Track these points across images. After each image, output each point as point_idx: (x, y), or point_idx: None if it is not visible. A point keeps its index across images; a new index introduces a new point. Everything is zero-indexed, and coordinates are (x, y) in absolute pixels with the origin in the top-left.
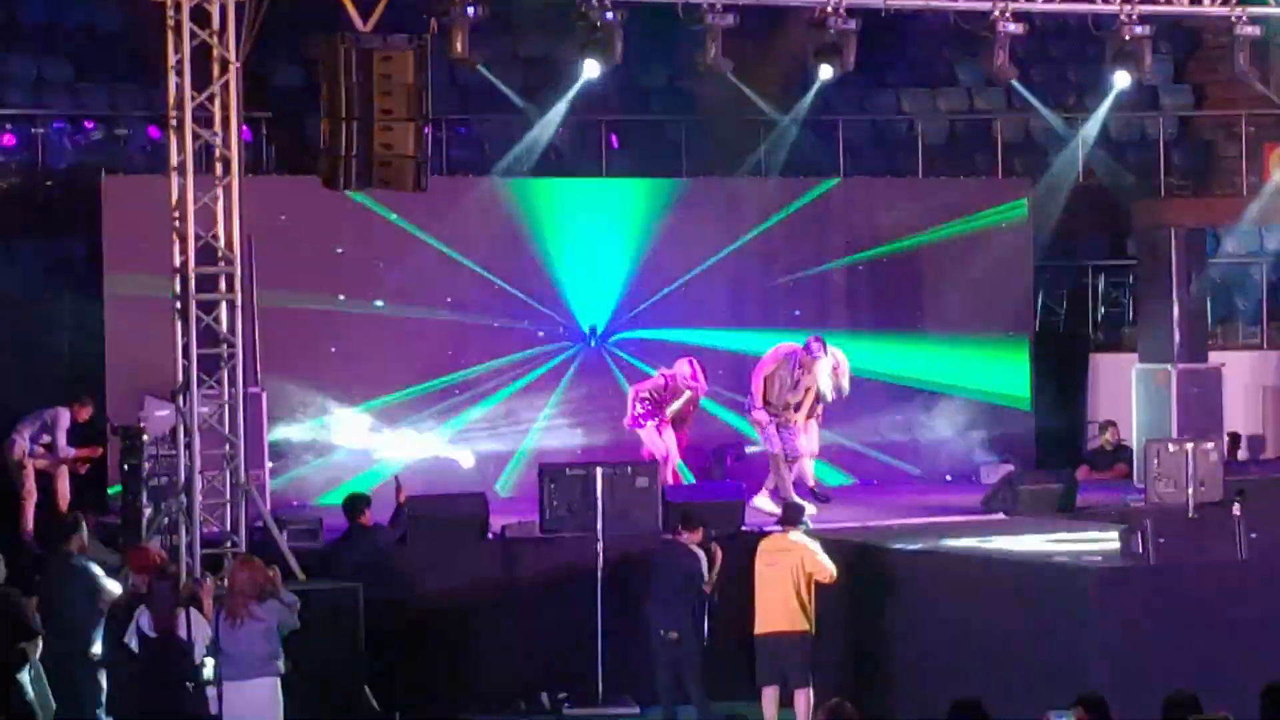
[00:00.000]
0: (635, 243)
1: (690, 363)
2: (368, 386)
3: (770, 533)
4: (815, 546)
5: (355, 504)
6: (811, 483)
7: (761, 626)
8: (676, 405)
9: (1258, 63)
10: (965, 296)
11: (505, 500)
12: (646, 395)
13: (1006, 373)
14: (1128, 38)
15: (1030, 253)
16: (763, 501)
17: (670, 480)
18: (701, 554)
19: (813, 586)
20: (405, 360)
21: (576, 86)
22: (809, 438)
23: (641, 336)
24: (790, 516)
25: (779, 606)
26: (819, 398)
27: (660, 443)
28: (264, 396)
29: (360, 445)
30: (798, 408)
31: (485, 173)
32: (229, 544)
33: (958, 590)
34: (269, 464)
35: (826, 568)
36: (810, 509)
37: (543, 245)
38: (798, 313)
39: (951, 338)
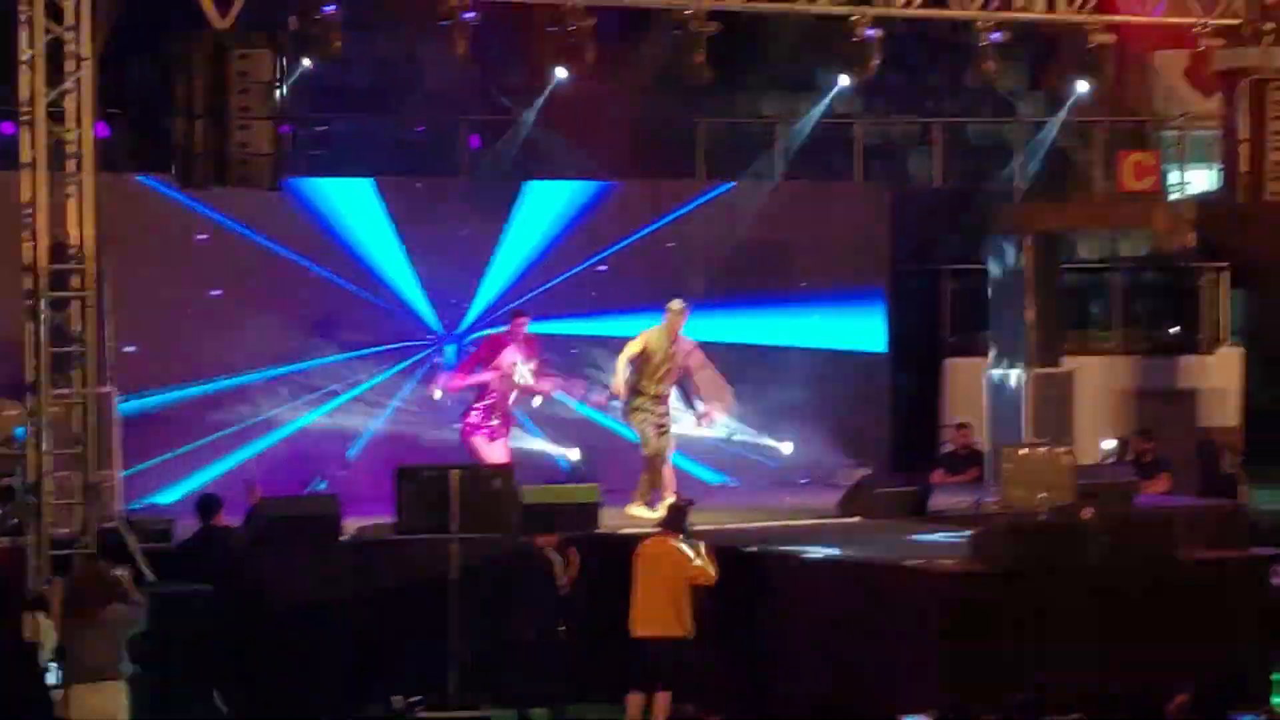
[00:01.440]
0: (495, 242)
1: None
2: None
3: (651, 535)
4: (693, 548)
5: (208, 505)
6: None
7: (639, 629)
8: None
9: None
10: (823, 297)
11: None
12: (476, 403)
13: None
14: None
15: (885, 258)
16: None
17: None
18: (557, 556)
19: (690, 591)
20: (257, 357)
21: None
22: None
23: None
24: (672, 519)
25: (656, 610)
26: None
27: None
28: (114, 395)
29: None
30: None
31: (341, 172)
32: (78, 544)
33: (818, 594)
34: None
35: (707, 571)
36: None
37: (402, 245)
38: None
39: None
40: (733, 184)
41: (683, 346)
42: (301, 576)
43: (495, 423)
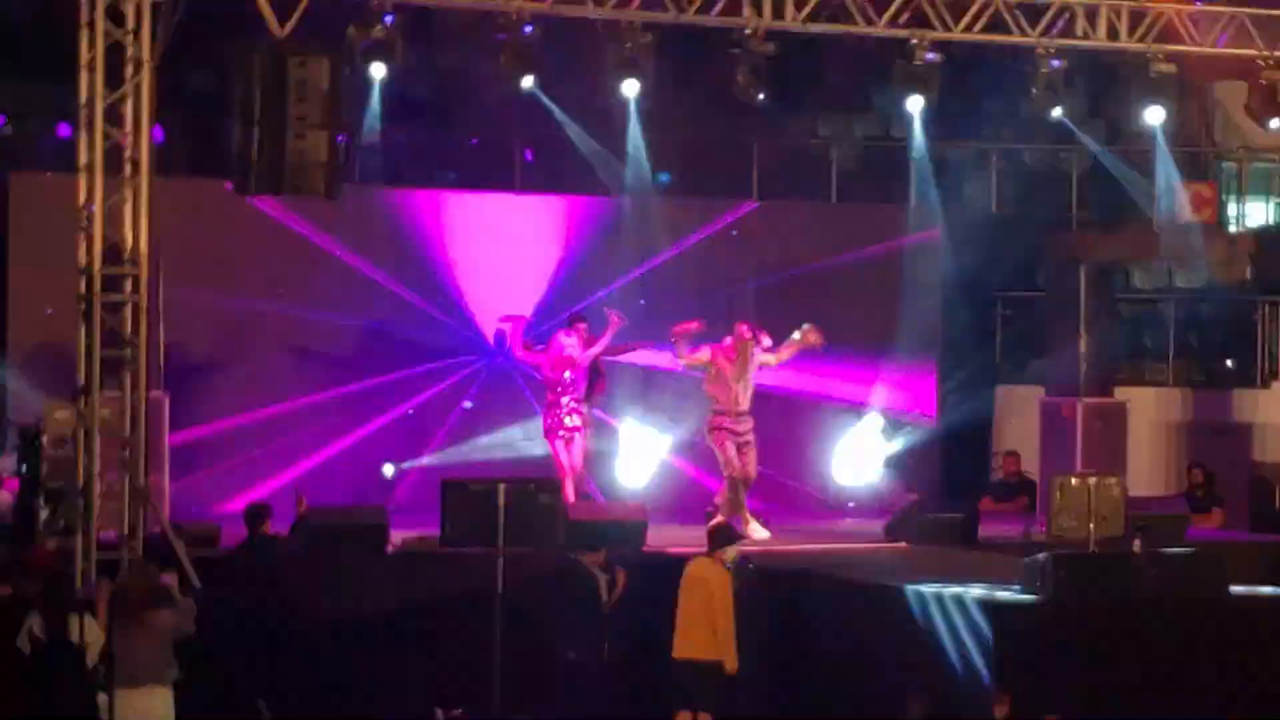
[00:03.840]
0: (547, 259)
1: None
2: (270, 392)
3: (696, 556)
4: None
5: (256, 513)
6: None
7: (677, 651)
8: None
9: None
10: (875, 321)
11: (406, 510)
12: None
13: (915, 401)
14: (1043, 70)
15: (940, 281)
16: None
17: (572, 498)
18: (602, 575)
19: (730, 615)
20: (310, 367)
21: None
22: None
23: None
24: (716, 540)
25: (695, 633)
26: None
27: (564, 458)
28: (166, 401)
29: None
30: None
31: (399, 183)
32: (126, 549)
33: (863, 618)
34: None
35: (721, 615)
36: (762, 533)
37: (453, 258)
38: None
39: (861, 362)
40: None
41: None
42: (347, 586)
43: (572, 423)
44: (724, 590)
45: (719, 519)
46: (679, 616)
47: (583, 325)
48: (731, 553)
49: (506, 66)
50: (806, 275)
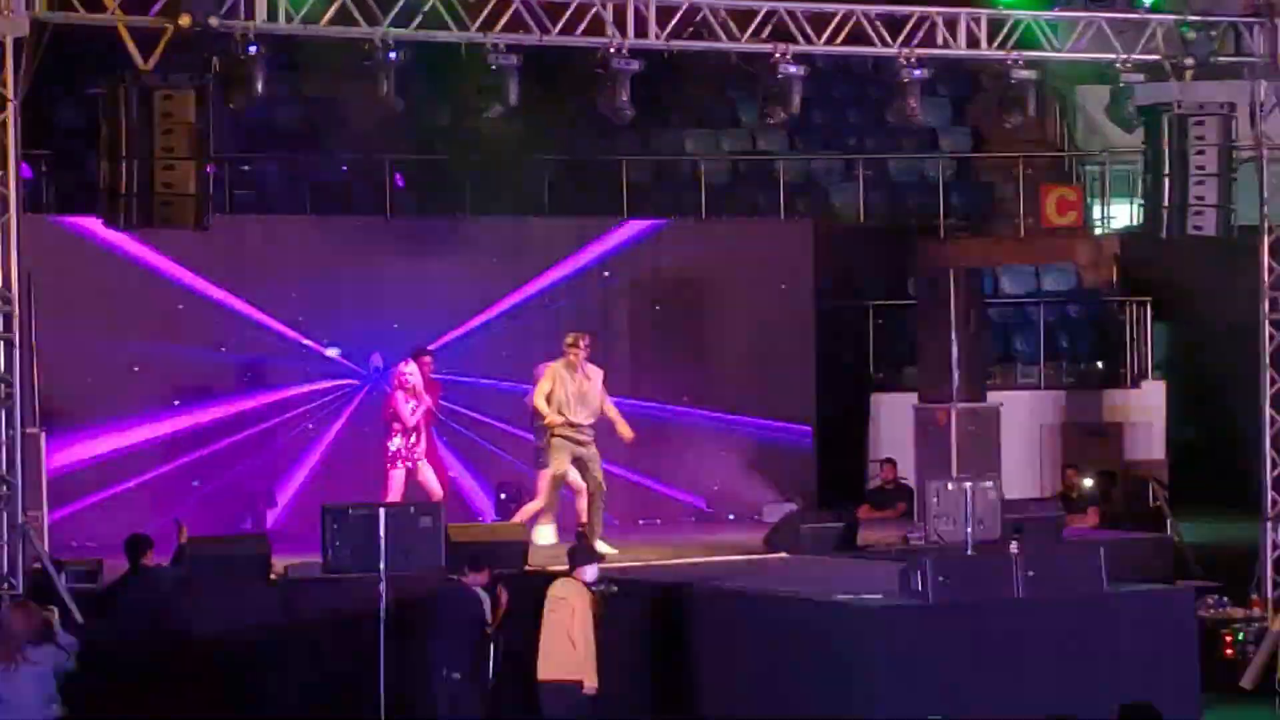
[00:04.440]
0: (419, 281)
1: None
2: (146, 424)
3: (560, 574)
4: (584, 607)
5: (137, 544)
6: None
7: (540, 673)
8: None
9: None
10: (748, 334)
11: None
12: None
13: (789, 410)
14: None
15: (810, 294)
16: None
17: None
18: (486, 595)
19: (590, 635)
20: (184, 398)
21: None
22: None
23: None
24: (575, 559)
25: (556, 653)
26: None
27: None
28: (42, 436)
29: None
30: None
31: (268, 211)
32: (6, 586)
33: (749, 630)
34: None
35: (580, 635)
36: (609, 549)
37: (327, 283)
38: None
39: (734, 374)
40: (658, 221)
41: (595, 378)
42: (230, 615)
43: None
44: (584, 609)
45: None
46: (541, 637)
47: (427, 359)
48: (591, 571)
49: (373, 93)
50: (679, 290)
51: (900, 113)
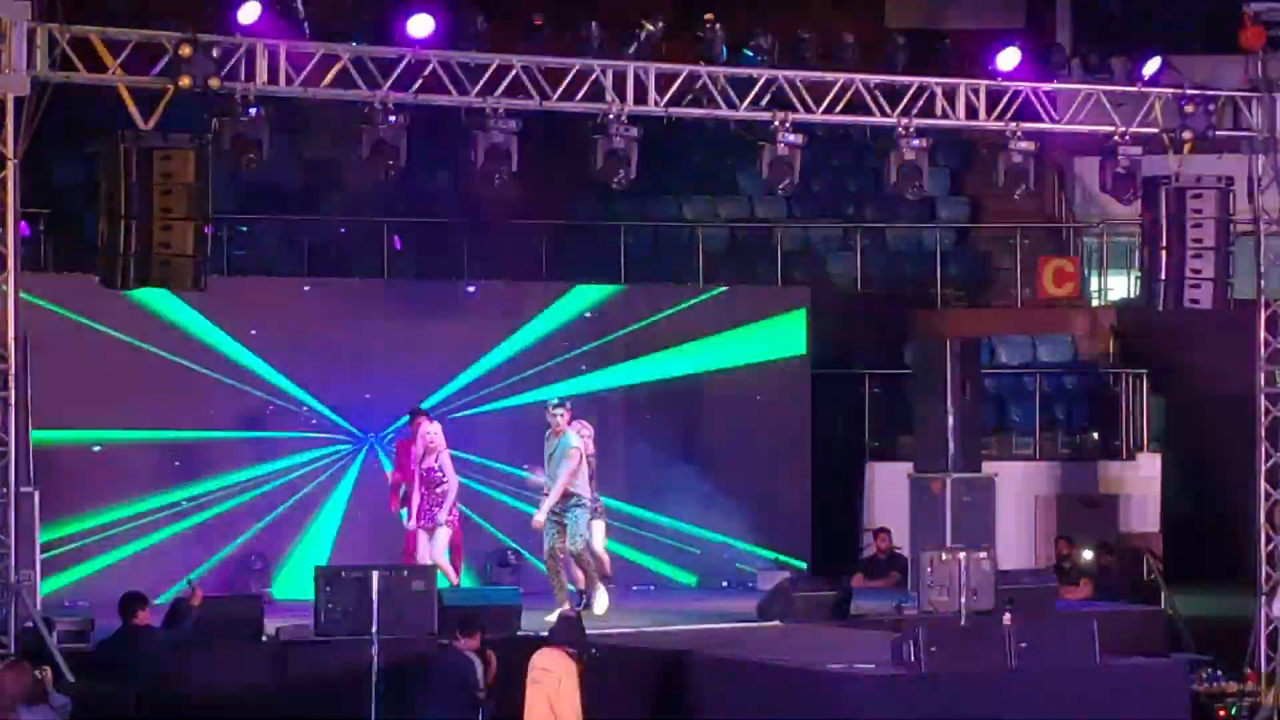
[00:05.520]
0: (417, 345)
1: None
2: (137, 486)
3: (542, 645)
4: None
5: (131, 603)
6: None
7: None
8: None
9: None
10: (744, 401)
11: (281, 603)
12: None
13: (785, 478)
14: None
15: (807, 362)
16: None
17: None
18: (477, 660)
19: (576, 708)
20: (184, 459)
21: None
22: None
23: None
24: (556, 633)
25: None
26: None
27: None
28: (36, 496)
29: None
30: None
31: (267, 272)
32: None
33: (740, 698)
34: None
35: (567, 708)
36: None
37: (324, 346)
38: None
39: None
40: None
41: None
42: (222, 676)
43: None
44: (570, 681)
45: (567, 609)
46: (524, 710)
47: (418, 420)
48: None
49: (371, 156)
50: (674, 357)
51: (900, 183)
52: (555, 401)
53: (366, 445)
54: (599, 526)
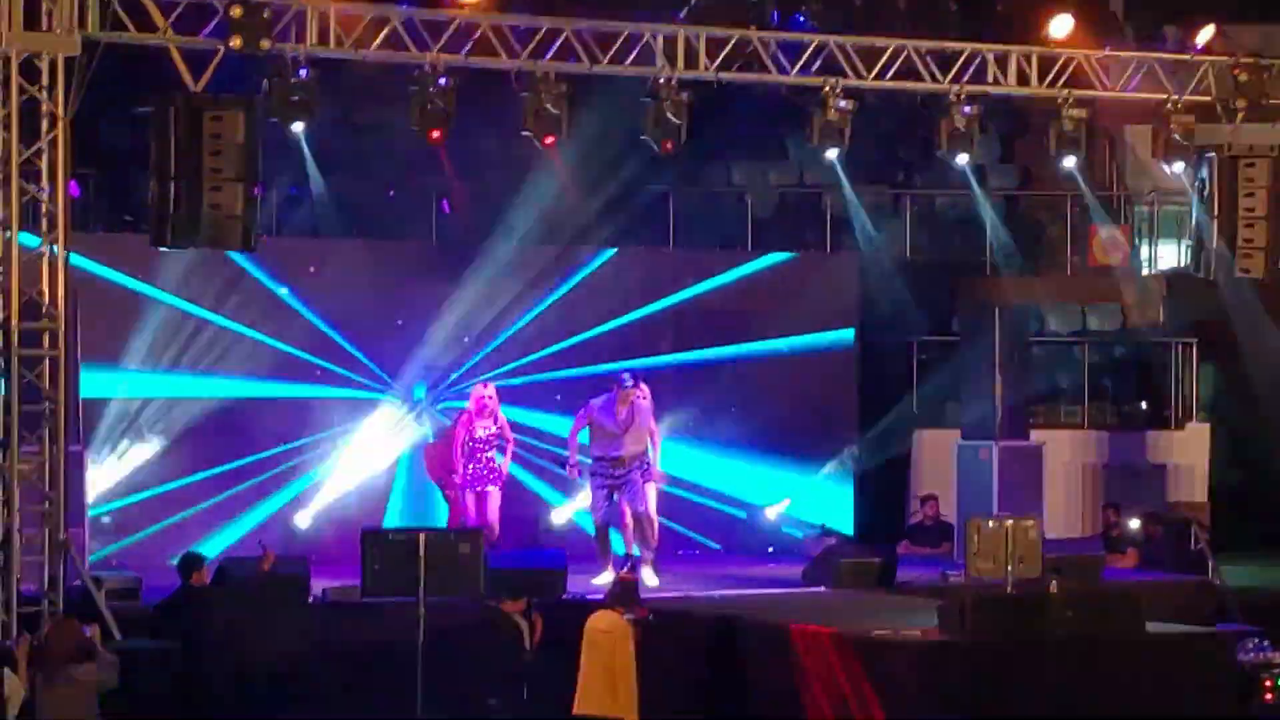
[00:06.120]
0: (475, 308)
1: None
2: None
3: (598, 609)
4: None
5: (189, 563)
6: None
7: (577, 706)
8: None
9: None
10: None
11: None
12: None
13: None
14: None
15: (856, 330)
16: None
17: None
18: (523, 622)
19: (632, 672)
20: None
21: None
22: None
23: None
24: (615, 596)
25: (593, 689)
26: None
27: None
28: (85, 454)
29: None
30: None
31: (315, 234)
32: (46, 602)
33: (785, 661)
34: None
35: (622, 670)
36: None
37: (370, 307)
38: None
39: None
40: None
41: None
42: (270, 636)
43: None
44: (625, 645)
45: (625, 573)
46: (580, 672)
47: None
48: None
49: (420, 119)
50: (724, 321)
51: (949, 149)
52: (631, 382)
53: (418, 407)
54: (652, 490)
